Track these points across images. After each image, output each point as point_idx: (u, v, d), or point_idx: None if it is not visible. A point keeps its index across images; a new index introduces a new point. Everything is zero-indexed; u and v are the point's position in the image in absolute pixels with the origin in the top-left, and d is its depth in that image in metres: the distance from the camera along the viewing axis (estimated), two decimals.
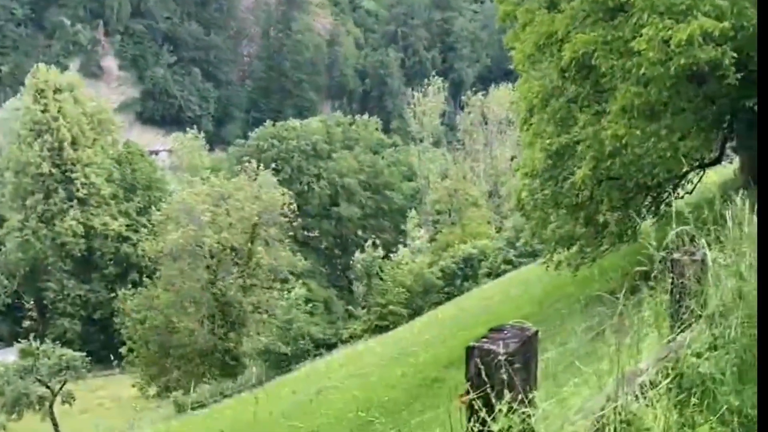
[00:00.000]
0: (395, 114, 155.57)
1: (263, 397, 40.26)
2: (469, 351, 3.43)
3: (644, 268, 5.35)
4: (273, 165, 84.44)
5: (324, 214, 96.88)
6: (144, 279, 65.62)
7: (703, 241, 5.55)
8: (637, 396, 4.15)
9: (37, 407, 53.30)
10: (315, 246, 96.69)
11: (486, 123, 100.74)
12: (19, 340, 60.25)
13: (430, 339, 36.49)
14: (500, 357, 3.36)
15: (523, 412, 3.42)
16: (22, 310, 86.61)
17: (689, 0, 19.28)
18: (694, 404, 4.58)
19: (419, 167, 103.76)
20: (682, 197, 25.29)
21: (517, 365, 3.40)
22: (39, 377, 52.82)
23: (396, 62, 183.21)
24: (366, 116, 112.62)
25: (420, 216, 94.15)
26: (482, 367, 3.36)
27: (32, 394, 52.58)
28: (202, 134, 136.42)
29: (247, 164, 66.44)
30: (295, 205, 65.31)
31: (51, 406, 53.90)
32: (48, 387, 53.23)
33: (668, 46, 19.19)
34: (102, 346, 77.99)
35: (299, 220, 68.86)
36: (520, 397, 3.41)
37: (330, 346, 57.44)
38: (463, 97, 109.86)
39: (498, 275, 57.02)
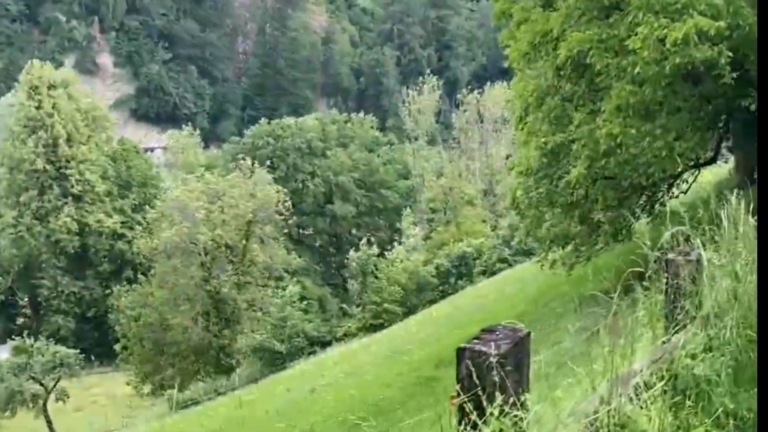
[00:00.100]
0: (391, 112, 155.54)
1: (258, 396, 40.32)
2: (460, 352, 3.38)
3: (639, 269, 5.30)
4: (268, 163, 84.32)
5: (319, 212, 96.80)
6: (139, 276, 65.54)
7: (698, 241, 5.51)
8: (631, 398, 4.09)
9: (31, 405, 53.23)
10: (310, 244, 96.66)
11: (481, 121, 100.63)
12: (13, 337, 60.09)
13: (424, 337, 36.47)
14: (492, 359, 3.30)
15: (515, 415, 3.36)
16: (16, 307, 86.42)
17: None
18: (688, 407, 4.53)
19: (414, 165, 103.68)
20: (677, 197, 25.32)
21: (508, 367, 3.34)
22: (33, 374, 52.72)
23: (391, 60, 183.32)
24: (361, 114, 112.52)
25: (415, 214, 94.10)
26: (473, 369, 3.30)
27: (26, 391, 52.50)
28: (198, 131, 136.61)
29: (241, 162, 66.28)
30: (290, 202, 65.24)
31: (45, 404, 53.81)
32: (42, 384, 53.13)
33: (663, 45, 19.16)
34: (96, 343, 77.95)
35: (294, 218, 68.79)
36: (511, 399, 3.35)
37: (324, 344, 57.40)
38: (458, 96, 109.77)
39: (493, 273, 57.01)
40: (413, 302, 60.32)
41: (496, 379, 3.30)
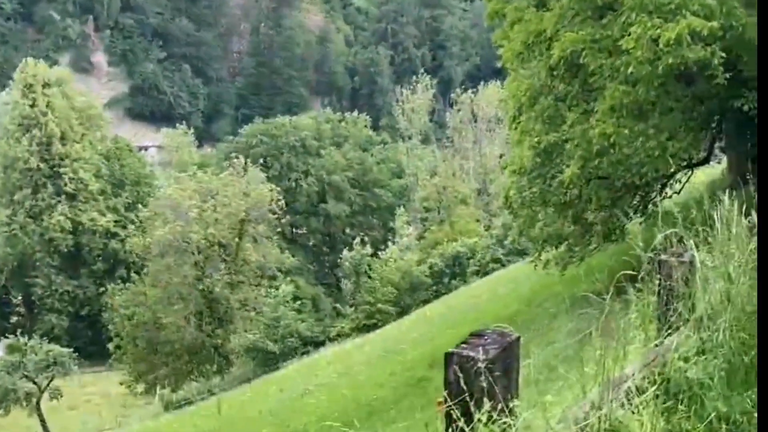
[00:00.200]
0: (384, 111, 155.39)
1: (251, 395, 40.25)
2: (448, 357, 3.31)
3: (632, 272, 5.26)
4: (262, 161, 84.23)
5: (312, 211, 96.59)
6: (132, 275, 65.39)
7: (691, 242, 5.47)
8: (622, 403, 4.04)
9: (25, 403, 53.07)
10: (303, 243, 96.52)
11: (475, 121, 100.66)
12: (7, 335, 59.89)
13: (418, 337, 36.43)
14: (480, 364, 3.24)
15: (504, 422, 3.30)
16: (9, 306, 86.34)
17: None
18: (681, 411, 4.48)
19: (408, 164, 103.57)
20: (670, 197, 25.32)
21: (497, 372, 3.28)
22: (26, 373, 52.52)
23: (386, 60, 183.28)
24: (355, 113, 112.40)
25: (409, 213, 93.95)
26: (461, 374, 3.24)
27: (19, 390, 52.32)
28: (192, 130, 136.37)
29: (235, 160, 66.12)
30: (283, 201, 65.17)
31: (38, 402, 53.65)
32: (35, 383, 52.97)
33: (657, 45, 19.13)
34: (90, 342, 77.85)
35: (287, 216, 68.65)
36: (500, 406, 3.29)
37: (318, 344, 57.28)
38: (452, 95, 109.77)
39: (486, 273, 56.95)
40: (407, 302, 60.21)
41: (484, 384, 3.23)
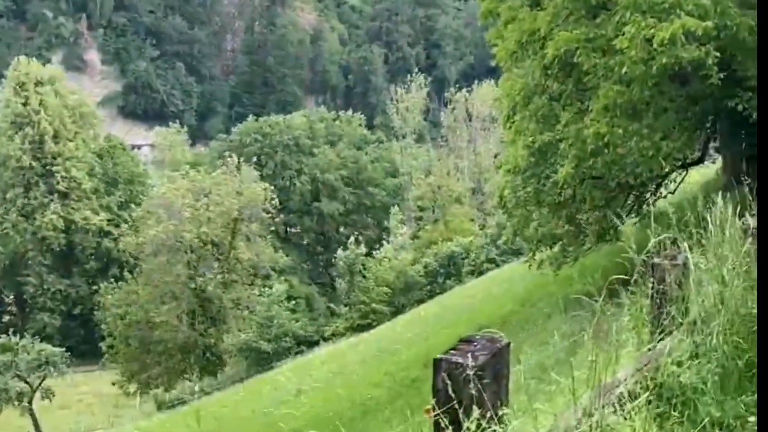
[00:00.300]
0: (379, 110, 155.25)
1: (246, 395, 40.17)
2: (436, 364, 3.25)
3: (625, 274, 5.19)
4: (255, 160, 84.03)
5: (306, 209, 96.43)
6: (125, 274, 65.18)
7: (684, 244, 5.41)
8: (615, 408, 3.98)
9: (17, 403, 52.93)
10: (297, 242, 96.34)
11: (470, 120, 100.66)
12: None
13: (412, 337, 36.41)
14: (469, 371, 3.17)
15: (493, 431, 3.23)
16: (1, 305, 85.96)
17: None
18: (674, 416, 4.42)
19: (402, 163, 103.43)
20: (665, 197, 25.30)
21: (486, 379, 3.21)
22: (18, 372, 52.41)
23: (380, 58, 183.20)
24: (349, 112, 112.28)
25: (403, 212, 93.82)
26: (449, 381, 3.17)
27: (11, 389, 52.19)
28: (185, 129, 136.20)
29: (228, 159, 65.94)
30: (276, 200, 65.03)
31: (30, 402, 53.52)
32: (27, 382, 52.84)
33: (651, 44, 19.09)
34: (82, 341, 77.63)
35: (281, 215, 68.49)
36: (489, 414, 3.22)
37: (312, 344, 57.20)
38: (446, 94, 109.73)
39: (481, 273, 56.90)
40: (401, 302, 60.14)
41: (474, 392, 3.16)
